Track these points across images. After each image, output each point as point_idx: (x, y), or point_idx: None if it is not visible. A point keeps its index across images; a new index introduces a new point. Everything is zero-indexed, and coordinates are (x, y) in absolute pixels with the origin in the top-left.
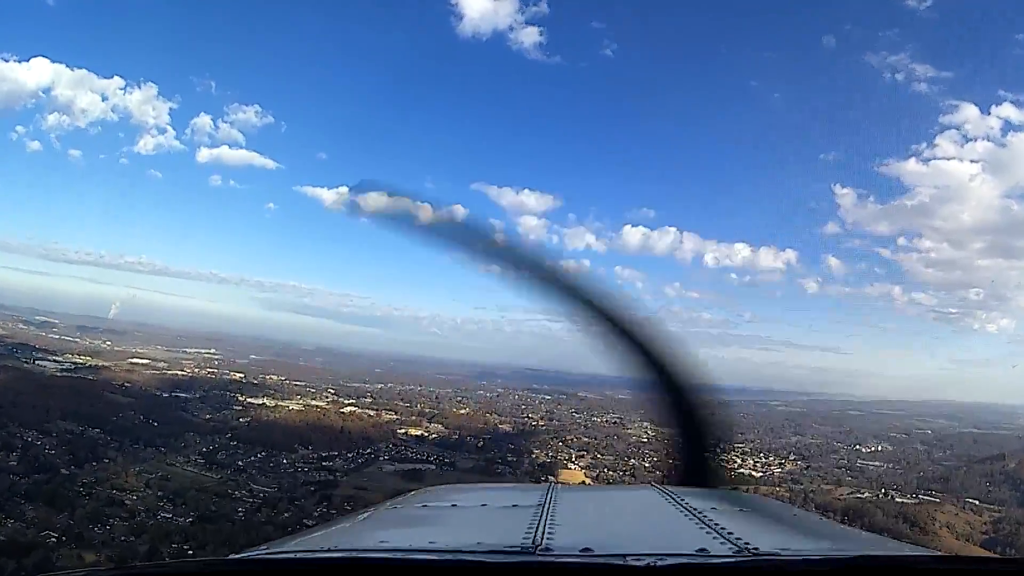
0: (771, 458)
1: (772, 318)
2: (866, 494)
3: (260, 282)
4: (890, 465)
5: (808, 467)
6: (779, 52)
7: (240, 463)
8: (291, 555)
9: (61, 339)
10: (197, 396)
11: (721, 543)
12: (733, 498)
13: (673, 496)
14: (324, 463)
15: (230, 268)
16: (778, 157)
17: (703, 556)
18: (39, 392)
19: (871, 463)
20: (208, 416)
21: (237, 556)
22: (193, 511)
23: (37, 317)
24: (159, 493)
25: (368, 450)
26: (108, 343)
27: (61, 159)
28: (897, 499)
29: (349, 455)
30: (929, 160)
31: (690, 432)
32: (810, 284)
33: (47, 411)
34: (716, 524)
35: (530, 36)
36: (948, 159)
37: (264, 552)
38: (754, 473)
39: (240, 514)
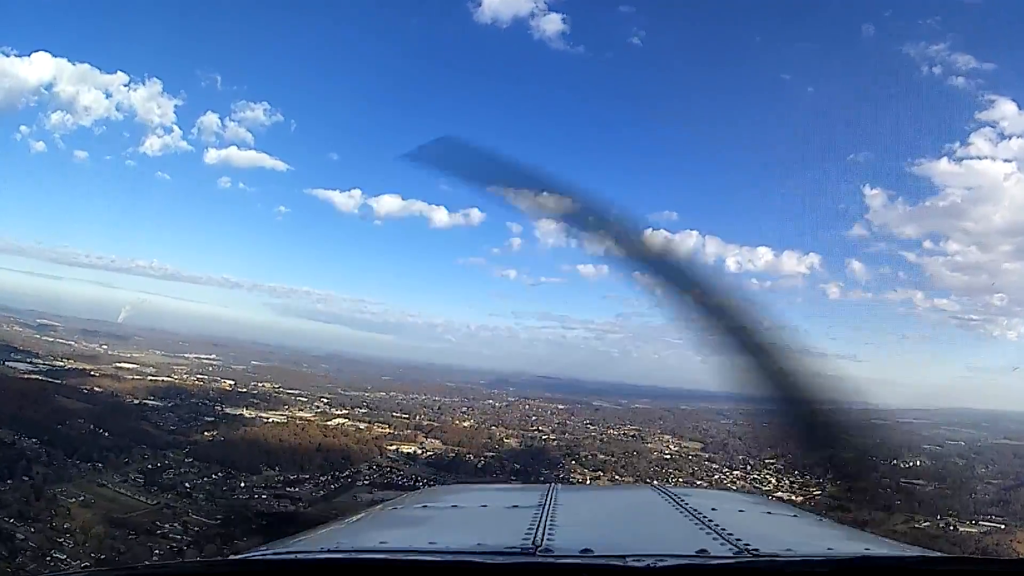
0: (807, 477)
1: (790, 325)
2: (924, 523)
3: (272, 287)
4: (936, 485)
5: (850, 488)
6: (816, 42)
7: (188, 485)
8: (292, 555)
9: (55, 342)
10: (170, 405)
11: (721, 544)
12: (733, 498)
13: (673, 496)
14: (289, 488)
15: (242, 272)
16: (807, 156)
17: (703, 557)
18: None
19: (915, 482)
20: (172, 428)
21: (238, 556)
22: (94, 553)
23: (38, 320)
24: (65, 525)
25: (346, 472)
26: (105, 347)
27: (67, 160)
28: (960, 528)
29: (322, 478)
30: (962, 159)
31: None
32: (832, 290)
33: None
34: (716, 524)
35: (553, 24)
36: (982, 158)
37: (265, 552)
38: (794, 497)
39: (155, 558)
